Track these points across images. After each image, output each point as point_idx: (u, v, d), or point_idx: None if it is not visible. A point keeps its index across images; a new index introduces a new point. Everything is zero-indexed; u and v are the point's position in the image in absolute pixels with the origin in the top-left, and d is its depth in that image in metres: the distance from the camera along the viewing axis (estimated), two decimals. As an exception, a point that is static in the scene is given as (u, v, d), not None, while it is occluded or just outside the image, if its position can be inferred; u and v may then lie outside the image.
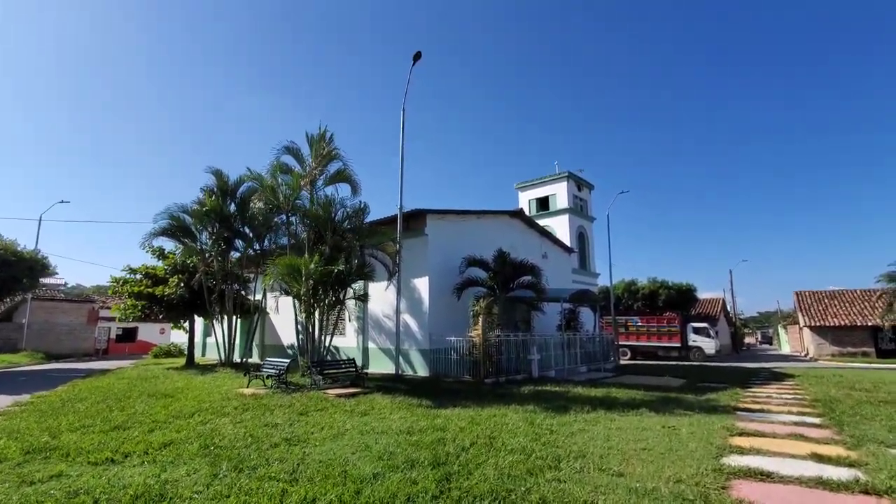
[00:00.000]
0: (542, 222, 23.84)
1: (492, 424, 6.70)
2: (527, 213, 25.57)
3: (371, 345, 15.94)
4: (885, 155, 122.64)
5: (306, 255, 11.55)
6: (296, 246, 13.76)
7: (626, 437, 6.01)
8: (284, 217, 13.60)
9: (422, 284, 14.62)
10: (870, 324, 28.29)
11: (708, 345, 27.37)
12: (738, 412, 8.18)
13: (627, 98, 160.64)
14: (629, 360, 27.89)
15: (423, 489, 3.88)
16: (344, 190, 13.65)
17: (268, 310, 18.90)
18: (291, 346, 17.63)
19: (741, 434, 6.30)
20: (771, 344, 64.05)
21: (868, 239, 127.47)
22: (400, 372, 13.80)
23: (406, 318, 14.74)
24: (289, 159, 14.23)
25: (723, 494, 3.85)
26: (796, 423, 7.08)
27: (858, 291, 32.30)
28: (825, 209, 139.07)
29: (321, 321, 12.65)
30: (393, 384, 11.44)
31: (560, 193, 27.62)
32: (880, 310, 27.00)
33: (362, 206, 12.66)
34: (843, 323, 29.46)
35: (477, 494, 3.78)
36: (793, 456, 5.16)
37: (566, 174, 27.60)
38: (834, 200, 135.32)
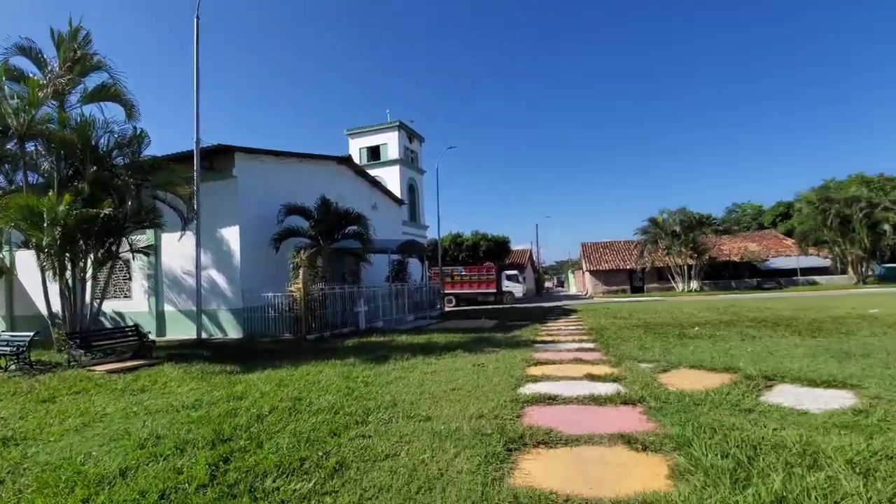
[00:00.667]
0: (373, 172, 23.14)
1: (302, 384, 6.08)
2: (357, 161, 24.52)
3: (168, 308, 13.42)
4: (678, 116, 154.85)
5: (52, 193, 8.62)
6: (45, 184, 10.26)
7: (439, 379, 6.09)
8: (16, 143, 9.87)
9: (231, 235, 12.66)
10: (628, 267, 36.16)
11: (517, 289, 31.35)
12: (536, 345, 9.25)
13: (451, 54, 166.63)
14: (454, 307, 30.15)
15: (187, 478, 3.08)
16: (116, 113, 10.57)
17: (14, 270, 14.29)
18: (58, 315, 13.67)
19: (536, 364, 7.02)
20: (563, 287, 77.75)
21: (640, 194, 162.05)
22: (206, 336, 11.95)
23: (213, 273, 12.70)
24: (24, 63, 10.31)
25: (516, 423, 4.03)
26: (577, 350, 8.29)
27: (623, 242, 40.80)
28: (608, 168, 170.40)
29: (86, 281, 9.90)
30: (193, 351, 9.77)
31: (391, 143, 27.14)
32: (635, 256, 34.64)
33: (139, 133, 9.91)
34: (611, 267, 37.03)
35: (259, 472, 3.16)
36: (573, 378, 5.89)
37: (397, 123, 27.11)
38: (607, 161, 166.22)
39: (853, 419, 3.72)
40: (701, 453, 3.10)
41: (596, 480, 2.91)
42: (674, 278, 32.98)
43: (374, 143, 27.74)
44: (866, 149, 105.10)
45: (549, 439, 3.63)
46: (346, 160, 18.50)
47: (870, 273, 28.60)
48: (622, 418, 4.16)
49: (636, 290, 36.07)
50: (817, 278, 31.05)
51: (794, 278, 31.73)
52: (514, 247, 45.25)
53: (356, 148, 27.88)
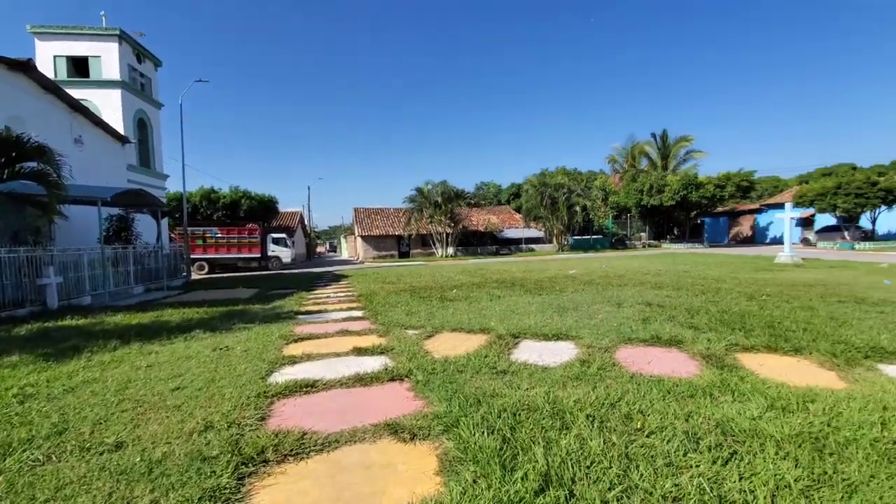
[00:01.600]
0: (77, 94, 16.79)
1: None
2: (52, 75, 17.56)
3: None
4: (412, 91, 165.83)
5: None
6: None
7: (158, 375, 4.50)
8: None
9: None
10: (397, 233, 38.06)
11: (285, 254, 29.02)
12: (300, 316, 8.25)
13: None
14: (206, 274, 25.78)
15: None
16: None
17: None
18: None
19: (297, 340, 6.09)
20: (335, 251, 77.34)
21: (411, 164, 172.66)
22: None
23: None
24: None
25: (259, 431, 3.08)
26: (345, 319, 7.70)
27: (393, 209, 42.63)
28: (384, 139, 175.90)
29: None
30: None
31: (109, 58, 20.04)
32: (403, 223, 36.63)
33: None
34: (382, 233, 38.28)
35: None
36: (339, 354, 5.23)
37: (117, 32, 20.05)
38: (383, 132, 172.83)
39: (580, 370, 4.20)
40: (469, 434, 2.84)
41: (353, 499, 2.28)
42: (434, 244, 36.42)
43: (79, 53, 19.94)
44: (553, 148, 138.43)
45: (300, 447, 2.83)
46: (25, 66, 12.73)
47: (566, 243, 37.90)
48: (389, 399, 3.70)
49: (403, 255, 38.45)
50: (535, 246, 39.40)
51: (520, 246, 39.45)
52: (284, 209, 41.82)
53: (48, 54, 19.56)
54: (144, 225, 17.20)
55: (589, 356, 4.68)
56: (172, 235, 25.58)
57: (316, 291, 12.70)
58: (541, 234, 39.86)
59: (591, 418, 3.08)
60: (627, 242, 40.61)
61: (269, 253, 28.39)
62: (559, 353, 4.92)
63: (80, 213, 13.39)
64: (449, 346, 5.45)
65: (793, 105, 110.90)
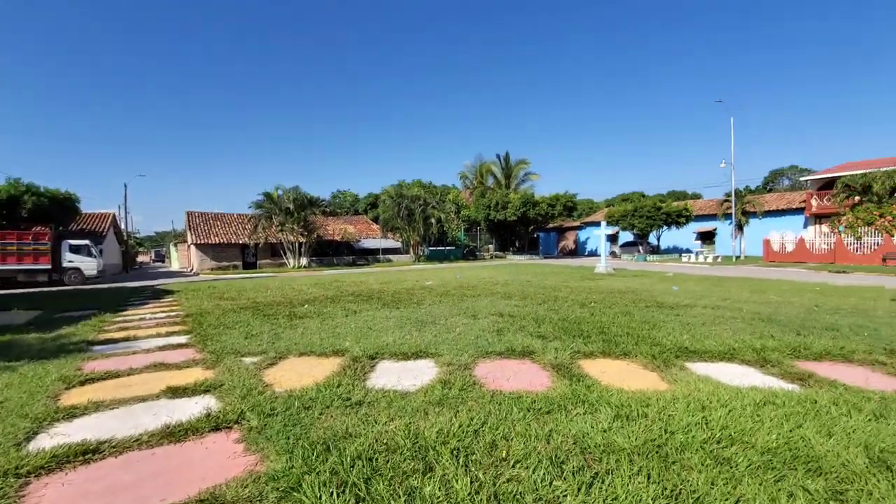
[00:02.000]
0: None
1: None
2: None
3: None
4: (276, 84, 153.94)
5: None
6: None
7: None
8: None
9: None
10: (241, 242, 34.19)
11: (89, 265, 23.49)
12: (96, 347, 6.45)
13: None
14: (-43, 292, 19.27)
15: None
16: None
17: None
18: None
19: (86, 382, 4.63)
20: (164, 261, 66.20)
21: (252, 169, 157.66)
22: None
23: None
24: None
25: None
26: (161, 348, 6.24)
27: (235, 215, 38.29)
28: (216, 135, 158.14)
29: None
30: None
31: None
32: (249, 231, 33.12)
33: None
34: (222, 241, 33.96)
35: None
36: (144, 399, 4.07)
37: None
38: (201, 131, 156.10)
39: (442, 393, 3.95)
40: (314, 498, 2.30)
41: None
42: (286, 254, 33.71)
43: None
44: (410, 160, 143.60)
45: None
46: None
47: (422, 253, 38.82)
48: (210, 459, 2.89)
49: (249, 266, 34.68)
50: (392, 256, 39.46)
51: (378, 256, 39.09)
52: (89, 209, 34.14)
53: None
54: None
55: (449, 375, 4.48)
56: None
57: (127, 312, 10.31)
58: (398, 244, 40.12)
59: (455, 453, 2.79)
60: (478, 253, 43.50)
61: (66, 264, 22.63)
62: (419, 375, 4.62)
63: None
64: (295, 375, 4.72)
65: (601, 139, 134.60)
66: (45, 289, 20.09)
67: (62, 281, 22.45)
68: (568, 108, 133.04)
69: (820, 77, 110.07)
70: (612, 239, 44.44)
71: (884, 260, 21.94)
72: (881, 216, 23.26)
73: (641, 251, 34.91)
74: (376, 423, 3.32)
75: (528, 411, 3.50)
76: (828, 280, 15.79)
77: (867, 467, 2.54)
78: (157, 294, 14.87)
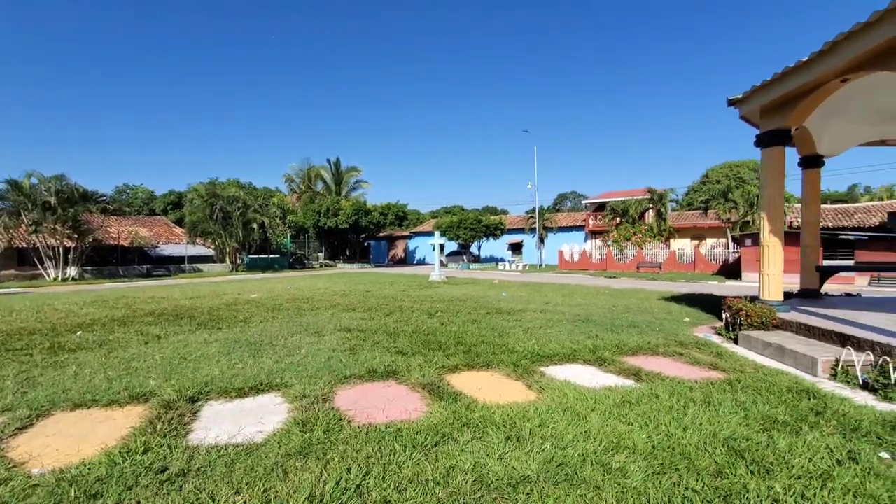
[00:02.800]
0: None
1: None
2: None
3: None
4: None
5: None
6: None
7: None
8: None
9: None
10: (-37, 246, 24.73)
11: None
12: None
13: None
14: None
15: None
16: None
17: None
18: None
19: None
20: None
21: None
22: None
23: None
24: None
25: None
26: None
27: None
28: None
29: None
30: None
31: None
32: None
33: None
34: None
35: None
36: None
37: None
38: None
39: (302, 439, 3.15)
40: None
41: None
42: (42, 264, 25.72)
43: None
44: (221, 157, 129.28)
45: None
46: None
47: (241, 262, 34.46)
48: None
49: (-24, 279, 25.21)
50: (201, 266, 33.92)
51: (183, 265, 33.12)
52: None
53: None
54: None
55: (306, 412, 3.67)
56: None
57: None
58: (210, 251, 34.75)
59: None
60: (306, 262, 40.81)
61: None
62: (265, 416, 3.67)
63: None
64: (68, 441, 3.23)
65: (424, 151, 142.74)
66: None
67: None
68: (395, 117, 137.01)
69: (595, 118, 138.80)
70: (441, 249, 47.20)
71: (638, 268, 28.48)
72: (635, 234, 30.15)
73: (465, 260, 37.90)
74: (214, 502, 2.37)
75: (415, 448, 3.00)
76: (608, 284, 19.51)
77: (728, 458, 2.83)
78: None
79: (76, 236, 26.10)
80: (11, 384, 4.62)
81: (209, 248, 34.73)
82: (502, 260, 42.46)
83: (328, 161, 47.15)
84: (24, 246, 26.03)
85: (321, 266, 41.10)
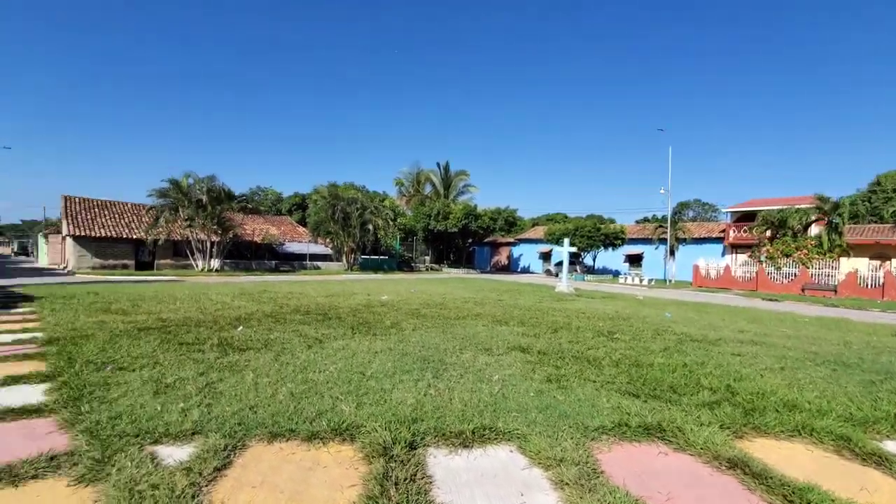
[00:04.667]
0: None
1: None
2: None
3: None
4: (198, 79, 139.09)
5: None
6: None
7: None
8: None
9: None
10: (135, 236, 28.60)
11: None
12: None
13: None
14: None
15: None
16: None
17: None
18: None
19: None
20: (28, 255, 55.05)
21: (149, 153, 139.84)
22: None
23: None
24: None
25: None
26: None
27: (130, 205, 32.32)
28: (116, 118, 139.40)
29: None
30: None
31: None
32: (147, 224, 27.83)
33: None
34: (110, 234, 28.09)
35: None
36: None
37: None
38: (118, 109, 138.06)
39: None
40: None
41: None
42: (194, 255, 28.77)
43: None
44: (338, 161, 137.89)
45: None
46: None
47: (355, 262, 35.72)
48: None
49: (144, 266, 28.99)
50: (321, 264, 35.79)
51: (304, 262, 35.21)
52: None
53: None
54: None
55: (586, 497, 2.39)
56: None
57: (-57, 332, 6.65)
58: (328, 250, 36.56)
59: None
60: (413, 264, 41.27)
61: None
62: (527, 493, 2.47)
63: None
64: (279, 498, 2.31)
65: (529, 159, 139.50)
66: None
67: None
68: (503, 121, 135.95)
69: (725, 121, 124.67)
70: (546, 257, 44.92)
71: (803, 290, 23.67)
72: (797, 249, 25.23)
73: (579, 271, 35.22)
74: None
75: None
76: (775, 307, 16.05)
77: None
78: (7, 301, 10.68)
79: (220, 231, 28.80)
80: (193, 390, 4.05)
81: (327, 246, 36.53)
82: (618, 272, 38.89)
83: (437, 165, 47.45)
84: (179, 239, 29.36)
85: (427, 269, 41.23)
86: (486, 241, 47.81)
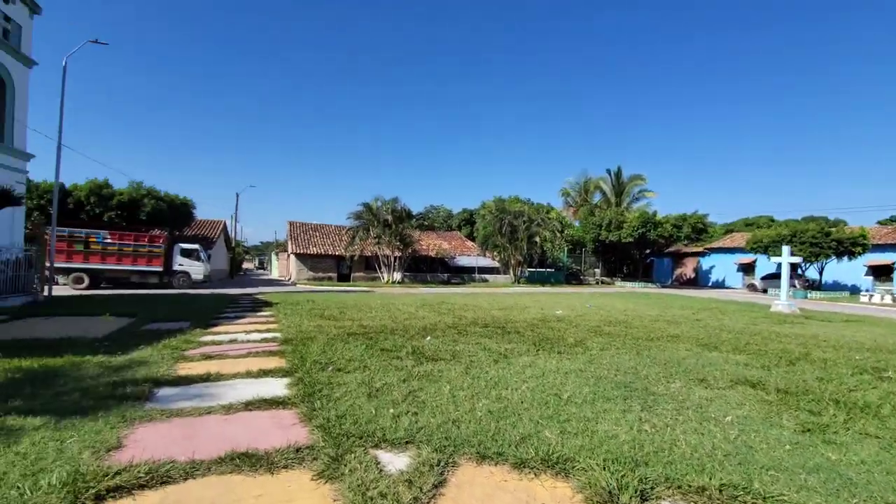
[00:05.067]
0: None
1: None
2: None
3: None
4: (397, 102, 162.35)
5: None
6: None
7: None
8: None
9: None
10: (337, 253, 33.88)
11: (196, 269, 23.82)
12: (161, 391, 4.45)
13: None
14: (85, 288, 20.18)
15: None
16: None
17: None
18: None
19: (111, 476, 2.41)
20: (265, 269, 70.43)
21: (354, 181, 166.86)
22: None
23: None
24: None
25: None
26: (249, 405, 4.01)
27: (333, 227, 38.43)
28: (323, 151, 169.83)
29: None
30: None
31: None
32: (345, 242, 32.65)
33: None
34: (320, 252, 33.89)
35: None
36: None
37: None
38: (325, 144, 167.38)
39: None
40: None
41: None
42: (380, 268, 32.64)
43: None
44: (503, 175, 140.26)
45: None
46: None
47: (521, 275, 35.73)
48: None
49: (343, 277, 34.17)
50: (489, 276, 36.84)
51: (473, 275, 36.71)
52: (204, 216, 36.19)
53: None
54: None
55: None
56: (46, 236, 19.84)
57: (218, 329, 8.65)
58: (495, 263, 37.41)
59: None
60: (582, 277, 39.29)
61: (176, 267, 23.08)
62: None
63: None
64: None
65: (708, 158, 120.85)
66: (152, 291, 20.29)
67: (171, 283, 22.88)
68: (680, 118, 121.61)
69: None
70: (747, 269, 37.76)
71: None
72: None
73: (798, 286, 28.37)
74: None
75: None
76: None
77: None
78: (254, 305, 13.58)
79: (402, 247, 32.09)
80: (399, 396, 4.26)
81: (494, 259, 37.41)
82: (857, 288, 30.22)
83: (608, 171, 44.58)
84: (369, 255, 33.71)
85: (598, 283, 38.69)
86: (666, 251, 42.64)
